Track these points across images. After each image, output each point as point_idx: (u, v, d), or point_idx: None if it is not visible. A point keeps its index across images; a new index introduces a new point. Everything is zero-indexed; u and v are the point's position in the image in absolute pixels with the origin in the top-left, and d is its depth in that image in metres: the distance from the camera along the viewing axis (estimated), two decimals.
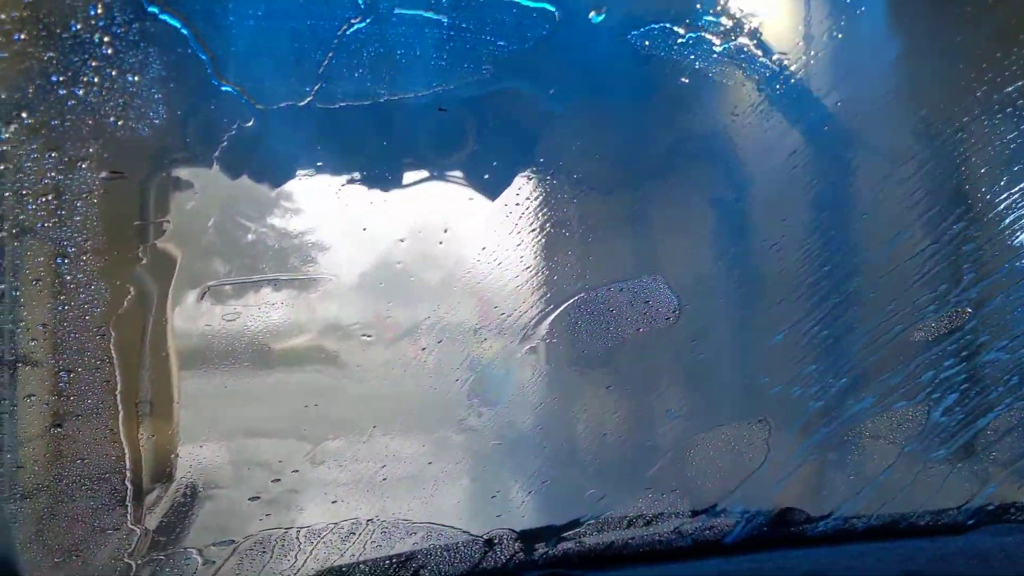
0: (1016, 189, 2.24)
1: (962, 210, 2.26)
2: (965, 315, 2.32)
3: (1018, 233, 2.28)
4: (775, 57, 1.97)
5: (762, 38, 1.97)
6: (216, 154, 1.68)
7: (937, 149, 2.21)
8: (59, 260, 1.65)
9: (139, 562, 1.87)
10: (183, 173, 1.69)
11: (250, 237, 1.80)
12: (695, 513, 2.28)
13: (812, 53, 1.99)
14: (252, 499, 1.95)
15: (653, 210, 2.11)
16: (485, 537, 2.09)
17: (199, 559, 1.92)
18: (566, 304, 2.05)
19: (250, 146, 1.69)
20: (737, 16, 1.94)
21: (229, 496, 1.94)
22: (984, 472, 2.53)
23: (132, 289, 1.72)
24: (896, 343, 2.34)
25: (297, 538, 1.97)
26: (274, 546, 1.95)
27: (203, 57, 1.60)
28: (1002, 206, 2.26)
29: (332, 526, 1.99)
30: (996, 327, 2.37)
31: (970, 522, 2.52)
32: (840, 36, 2.01)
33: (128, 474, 1.81)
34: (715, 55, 1.93)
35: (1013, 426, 2.50)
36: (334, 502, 1.99)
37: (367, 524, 2.00)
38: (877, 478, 2.44)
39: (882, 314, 2.31)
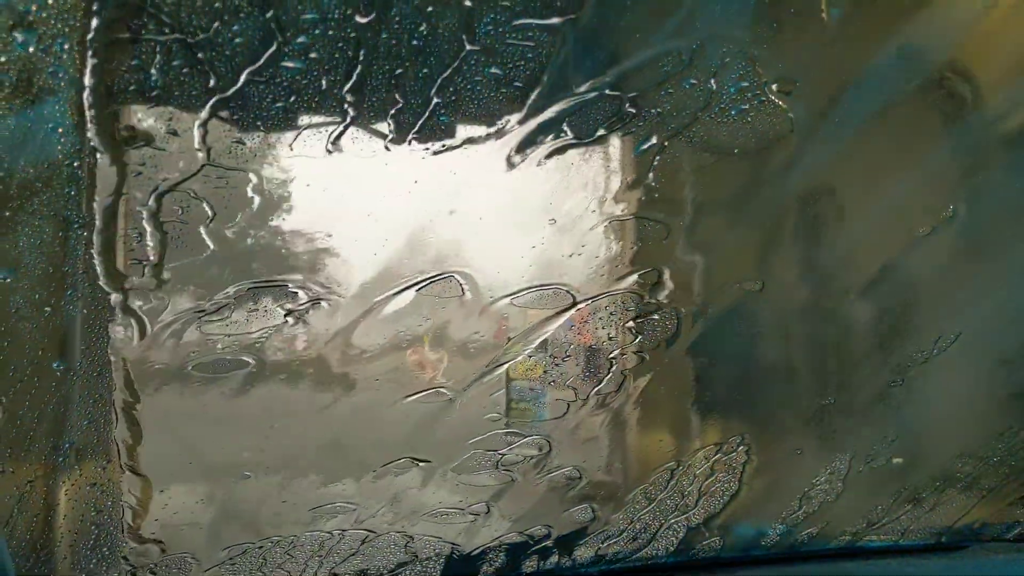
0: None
1: None
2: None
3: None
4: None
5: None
6: (225, 162, 1.67)
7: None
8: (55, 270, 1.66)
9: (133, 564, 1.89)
10: (189, 179, 1.67)
11: (251, 244, 1.78)
12: (689, 531, 2.31)
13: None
14: (250, 511, 1.96)
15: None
16: (477, 551, 2.12)
17: (193, 563, 1.94)
18: (563, 318, 2.06)
19: (258, 156, 1.68)
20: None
21: (224, 506, 1.95)
22: (970, 493, 2.55)
23: (127, 295, 1.71)
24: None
25: (297, 546, 1.99)
26: (271, 556, 1.97)
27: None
28: None
29: (340, 534, 2.02)
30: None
31: (957, 542, 2.54)
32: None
33: (123, 485, 1.82)
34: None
35: (993, 452, 2.52)
36: (336, 516, 2.01)
37: (366, 535, 2.03)
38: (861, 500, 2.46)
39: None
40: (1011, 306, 2.44)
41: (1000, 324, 2.46)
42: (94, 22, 1.44)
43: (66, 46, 1.46)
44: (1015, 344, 2.48)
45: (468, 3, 1.64)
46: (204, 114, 1.59)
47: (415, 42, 1.64)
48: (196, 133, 1.60)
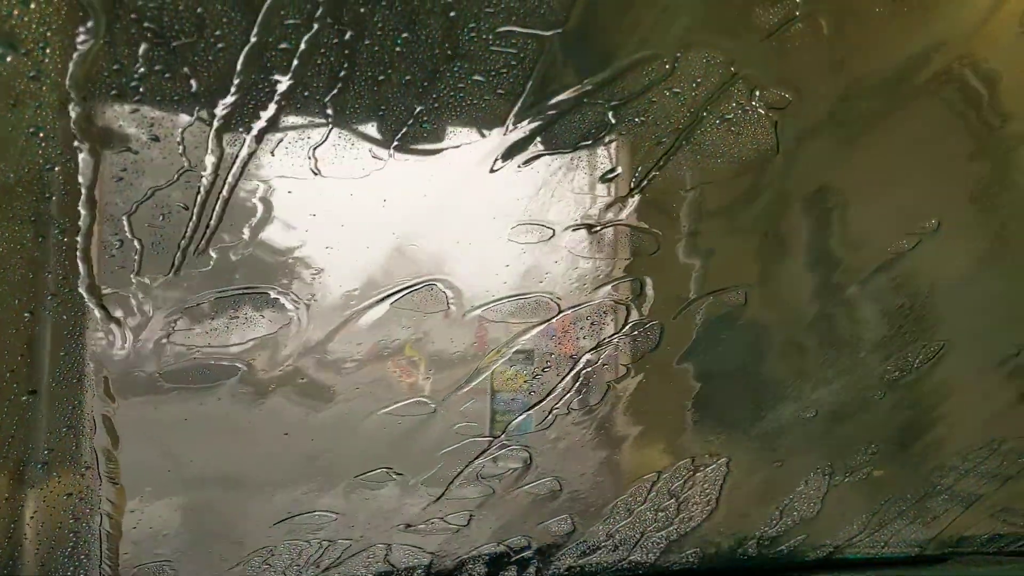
0: None
1: None
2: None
3: None
4: None
5: None
6: (207, 169, 1.66)
7: None
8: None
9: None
10: (170, 186, 1.66)
11: (233, 252, 1.77)
12: (669, 542, 2.31)
13: None
14: (228, 521, 1.95)
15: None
16: (457, 561, 2.12)
17: (171, 573, 1.93)
18: (545, 327, 2.06)
19: (239, 162, 1.68)
20: None
21: (202, 515, 1.94)
22: (951, 505, 2.56)
23: (106, 302, 1.70)
24: None
25: (275, 555, 1.98)
26: (249, 565, 1.96)
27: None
28: None
29: (318, 543, 2.01)
30: None
31: (937, 554, 2.55)
32: None
33: (101, 493, 1.81)
34: None
35: (980, 463, 2.53)
36: (315, 525, 2.00)
37: (346, 544, 2.02)
38: (842, 512, 2.46)
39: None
40: (997, 317, 2.46)
41: (985, 336, 2.47)
42: (77, 27, 1.44)
43: (48, 50, 1.45)
44: (999, 355, 2.49)
45: (452, 13, 1.64)
46: (186, 120, 1.58)
47: (398, 49, 1.64)
48: (178, 139, 1.59)
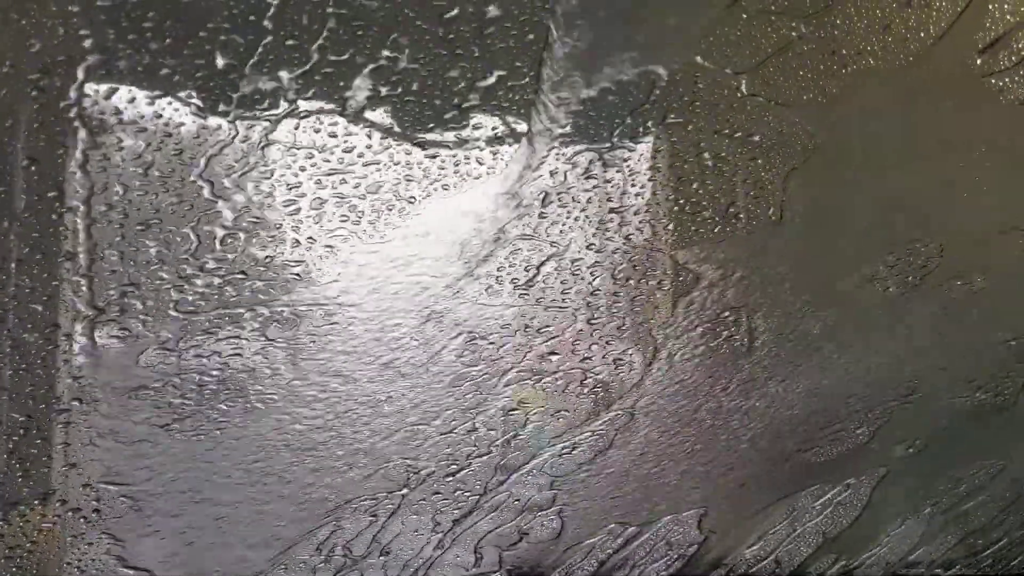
0: None
1: None
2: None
3: None
4: None
5: None
6: (210, 190, 1.68)
7: None
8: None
9: None
10: (172, 207, 1.68)
11: (235, 271, 1.78)
12: (689, 558, 2.29)
13: None
14: (239, 537, 1.95)
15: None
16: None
17: None
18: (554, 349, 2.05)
19: (242, 186, 1.69)
20: None
21: (209, 534, 1.94)
22: (955, 524, 2.53)
23: (108, 324, 1.71)
24: None
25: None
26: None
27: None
28: None
29: (326, 555, 2.01)
30: None
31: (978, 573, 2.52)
32: None
33: (107, 509, 1.82)
34: None
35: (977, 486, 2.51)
36: (323, 539, 2.00)
37: (352, 561, 2.03)
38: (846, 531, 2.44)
39: None
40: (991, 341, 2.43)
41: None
42: (81, 57, 1.45)
43: (48, 74, 1.47)
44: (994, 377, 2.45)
45: (442, 51, 1.66)
46: (189, 140, 1.60)
47: (406, 79, 1.66)
48: (180, 161, 1.61)
